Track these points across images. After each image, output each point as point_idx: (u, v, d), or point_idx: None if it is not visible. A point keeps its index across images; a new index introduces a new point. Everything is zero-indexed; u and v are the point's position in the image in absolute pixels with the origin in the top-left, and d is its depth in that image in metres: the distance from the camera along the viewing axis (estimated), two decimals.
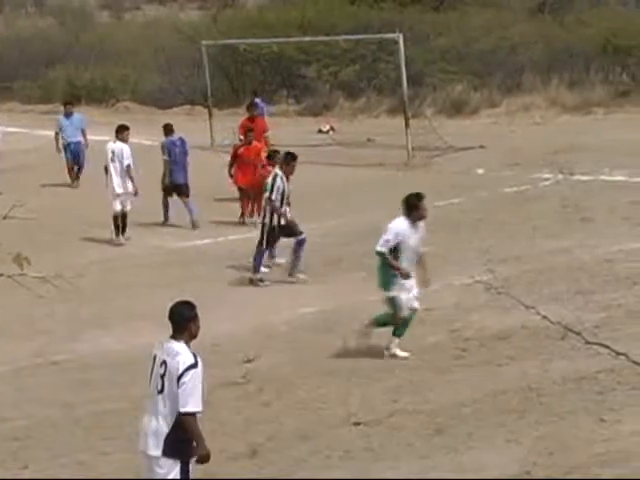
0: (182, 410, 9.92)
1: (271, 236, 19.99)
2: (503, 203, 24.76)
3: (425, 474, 11.46)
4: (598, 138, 32.93)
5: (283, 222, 19.95)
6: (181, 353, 10.14)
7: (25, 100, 44.19)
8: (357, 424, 12.90)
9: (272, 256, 20.99)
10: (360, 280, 19.33)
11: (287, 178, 20.12)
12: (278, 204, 19.88)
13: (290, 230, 20.06)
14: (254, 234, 23.21)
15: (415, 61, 36.51)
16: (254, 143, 26.55)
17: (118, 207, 24.28)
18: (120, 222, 24.31)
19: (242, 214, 25.98)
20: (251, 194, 25.55)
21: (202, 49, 36.60)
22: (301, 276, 19.87)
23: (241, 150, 26.38)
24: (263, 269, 20.27)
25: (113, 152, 24.71)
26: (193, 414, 10.06)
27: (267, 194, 20.03)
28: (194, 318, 10.51)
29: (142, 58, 51.77)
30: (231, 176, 26.15)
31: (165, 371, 9.98)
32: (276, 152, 22.37)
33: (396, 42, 33.14)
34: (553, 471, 11.31)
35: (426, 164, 29.72)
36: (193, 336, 10.42)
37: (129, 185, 24.63)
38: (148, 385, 10.19)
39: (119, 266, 21.31)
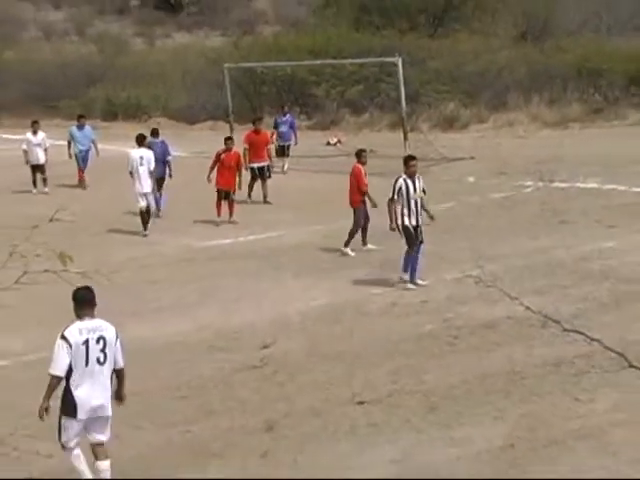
0: (121, 366, 10.92)
1: (409, 235, 18.61)
2: (491, 207, 24.77)
3: (420, 447, 11.47)
4: (574, 150, 32.95)
5: (414, 221, 18.66)
6: (107, 325, 10.82)
7: (68, 117, 44.01)
8: (361, 403, 12.91)
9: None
10: (363, 276, 19.37)
11: (411, 179, 18.95)
12: (399, 205, 18.75)
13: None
14: (270, 234, 23.34)
15: (412, 82, 36.44)
16: (233, 150, 26.63)
17: (143, 203, 24.86)
18: (147, 217, 24.97)
19: (219, 215, 26.06)
20: (229, 196, 25.92)
21: (224, 71, 36.62)
22: None
23: (223, 156, 26.32)
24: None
25: (142, 157, 25.17)
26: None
27: (390, 195, 18.89)
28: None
29: (171, 79, 51.91)
30: (209, 180, 26.17)
31: (105, 344, 10.54)
32: (362, 151, 21.70)
33: (395, 65, 33.19)
34: (534, 444, 11.33)
35: (422, 173, 29.59)
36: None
37: (151, 184, 25.27)
38: (85, 366, 10.38)
39: (150, 263, 21.32)
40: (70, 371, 10.30)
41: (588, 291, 17.27)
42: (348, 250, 21.27)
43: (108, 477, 10.58)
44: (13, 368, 15.10)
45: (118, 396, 10.88)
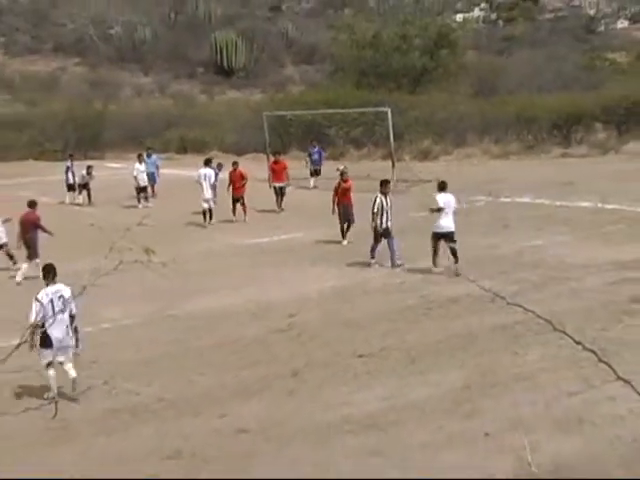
0: (74, 313, 11.77)
1: (377, 234, 19.11)
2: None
3: (403, 388, 11.44)
4: (513, 175, 32.94)
5: (384, 225, 18.99)
6: (64, 287, 11.81)
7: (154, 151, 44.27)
8: (360, 356, 12.87)
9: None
10: (365, 265, 19.32)
11: (385, 196, 19.14)
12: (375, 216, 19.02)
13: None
14: (294, 235, 23.35)
15: (398, 125, 36.21)
16: (238, 170, 27.07)
17: (205, 205, 26.23)
18: (208, 214, 26.25)
19: (234, 215, 26.72)
20: (240, 201, 26.57)
21: (263, 118, 36.53)
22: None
23: (231, 174, 26.96)
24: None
25: (205, 174, 26.60)
26: None
27: (374, 210, 18.96)
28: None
29: (226, 124, 52.01)
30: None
31: (63, 300, 11.57)
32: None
33: (386, 113, 33.05)
34: (484, 385, 11.29)
35: (405, 191, 29.62)
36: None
37: (212, 193, 26.37)
38: (52, 315, 11.32)
39: (210, 255, 21.35)
40: (43, 319, 11.21)
41: (524, 276, 17.21)
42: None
43: (74, 375, 11.65)
44: (113, 330, 15.15)
45: (75, 331, 11.80)
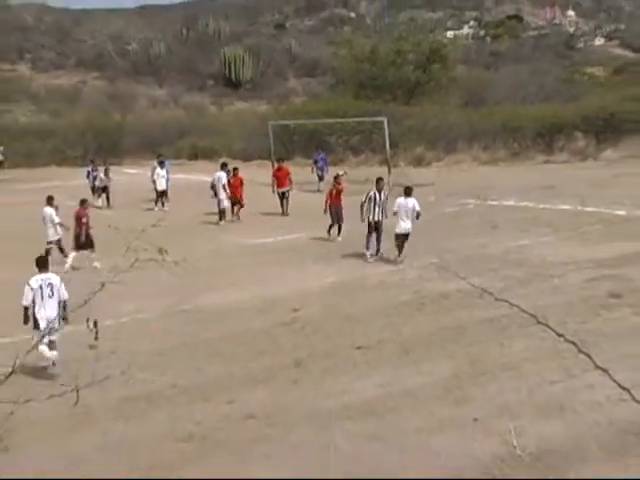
0: (65, 299, 12.39)
1: (370, 226, 19.80)
2: (445, 218, 24.67)
3: (398, 377, 11.43)
4: (501, 180, 32.91)
5: (376, 218, 19.76)
6: (54, 275, 12.62)
7: (167, 157, 44.31)
8: (359, 348, 12.84)
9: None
10: (362, 262, 19.32)
11: (378, 192, 19.84)
12: (370, 208, 19.81)
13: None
14: (297, 235, 23.32)
15: (394, 134, 36.20)
16: (238, 176, 27.52)
17: (222, 205, 26.59)
18: (224, 213, 26.60)
19: (233, 215, 27.07)
20: (238, 204, 27.10)
21: (269, 127, 36.49)
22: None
23: (231, 180, 27.17)
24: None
25: (219, 177, 26.96)
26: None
27: (363, 200, 19.97)
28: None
29: (234, 132, 52.00)
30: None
31: (53, 286, 12.30)
32: (337, 176, 22.82)
33: (382, 123, 33.04)
34: (473, 374, 11.28)
35: (400, 194, 29.60)
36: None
37: (224, 195, 26.73)
38: (41, 299, 12.16)
39: (218, 255, 21.31)
40: (34, 303, 12.09)
41: (510, 273, 17.19)
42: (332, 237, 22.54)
43: (54, 359, 12.15)
44: (130, 323, 15.12)
45: (64, 317, 11.80)
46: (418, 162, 41.30)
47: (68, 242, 20.49)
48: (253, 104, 76.75)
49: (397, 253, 19.16)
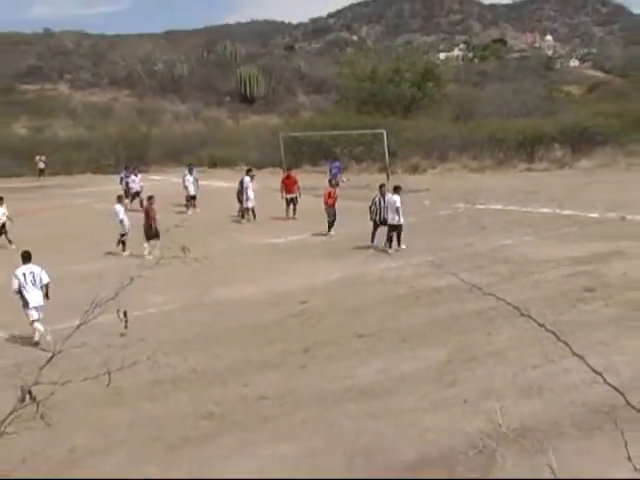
0: (46, 282, 13.64)
1: (375, 225, 20.52)
2: (438, 220, 24.60)
3: (396, 362, 11.43)
4: (488, 186, 32.75)
5: (380, 219, 20.42)
6: (35, 266, 13.73)
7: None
8: (360, 336, 12.84)
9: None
10: (364, 259, 19.31)
11: (382, 196, 20.56)
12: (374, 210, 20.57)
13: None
14: (305, 236, 23.32)
15: (392, 145, 36.29)
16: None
17: (246, 205, 26.99)
18: (251, 213, 26.93)
19: (242, 216, 27.29)
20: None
21: (280, 138, 36.61)
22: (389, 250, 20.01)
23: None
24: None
25: (246, 181, 27.28)
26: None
27: (370, 205, 20.80)
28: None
29: (249, 143, 51.86)
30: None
31: (34, 274, 13.52)
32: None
33: (382, 134, 33.09)
34: (463, 360, 11.27)
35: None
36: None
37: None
38: (26, 285, 13.41)
39: (234, 253, 21.32)
40: (22, 289, 13.42)
41: (496, 270, 17.15)
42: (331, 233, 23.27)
43: (42, 330, 13.20)
44: (156, 314, 15.15)
45: (46, 295, 13.58)
46: (414, 170, 41.20)
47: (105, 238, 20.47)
48: (266, 118, 76.64)
49: (387, 244, 20.05)
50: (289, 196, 28.10)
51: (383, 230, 20.37)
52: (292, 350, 12.37)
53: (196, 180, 32.31)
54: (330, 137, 42.70)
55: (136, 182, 33.28)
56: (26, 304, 13.44)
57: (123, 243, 21.51)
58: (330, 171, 34.72)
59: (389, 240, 19.94)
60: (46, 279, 13.66)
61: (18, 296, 13.51)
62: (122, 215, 21.61)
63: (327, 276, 17.73)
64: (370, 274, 17.80)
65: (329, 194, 23.34)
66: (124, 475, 8.46)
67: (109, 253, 21.53)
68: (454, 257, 18.55)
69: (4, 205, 24.16)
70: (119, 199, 22.29)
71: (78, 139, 57.72)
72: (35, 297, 13.48)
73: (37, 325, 13.35)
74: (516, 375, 10.53)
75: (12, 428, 4.07)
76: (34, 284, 13.52)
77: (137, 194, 32.56)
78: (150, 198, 21.48)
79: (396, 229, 19.97)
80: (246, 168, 30.39)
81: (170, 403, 10.46)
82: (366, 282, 17.10)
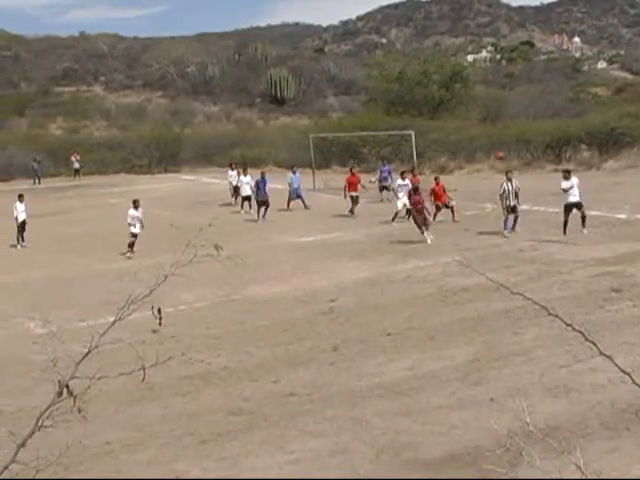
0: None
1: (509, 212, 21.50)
2: (466, 220, 24.43)
3: (424, 360, 11.39)
4: None
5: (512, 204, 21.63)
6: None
7: (220, 165, 44.52)
8: (388, 334, 12.82)
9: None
10: (392, 259, 19.27)
11: (509, 182, 21.91)
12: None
13: None
14: (335, 235, 23.31)
15: (420, 145, 36.08)
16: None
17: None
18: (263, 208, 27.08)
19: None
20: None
21: (310, 139, 36.57)
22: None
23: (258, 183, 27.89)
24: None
25: (262, 180, 27.61)
26: None
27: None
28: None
29: (278, 143, 51.90)
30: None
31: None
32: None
33: (410, 135, 32.95)
34: (490, 358, 11.21)
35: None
36: None
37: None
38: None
39: (265, 251, 21.37)
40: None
41: (523, 269, 17.04)
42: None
43: None
44: (187, 311, 15.24)
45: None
46: (442, 170, 40.89)
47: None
48: (296, 119, 76.78)
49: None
50: (354, 193, 28.03)
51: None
52: (321, 347, 12.37)
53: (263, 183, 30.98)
54: (359, 138, 42.63)
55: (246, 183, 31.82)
56: None
57: (131, 245, 21.46)
58: (380, 174, 33.52)
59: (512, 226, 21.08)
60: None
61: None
62: (138, 219, 21.76)
63: (356, 275, 17.71)
64: (398, 273, 17.75)
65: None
66: (156, 468, 8.52)
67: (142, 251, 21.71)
68: (481, 257, 18.45)
69: (24, 202, 24.12)
70: (135, 203, 22.29)
71: (112, 140, 58.12)
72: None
73: None
74: (543, 374, 10.45)
75: (49, 422, 4.11)
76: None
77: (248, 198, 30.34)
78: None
79: (514, 211, 21.26)
80: (292, 165, 31.43)
81: (201, 399, 10.51)
82: (394, 281, 17.05)
